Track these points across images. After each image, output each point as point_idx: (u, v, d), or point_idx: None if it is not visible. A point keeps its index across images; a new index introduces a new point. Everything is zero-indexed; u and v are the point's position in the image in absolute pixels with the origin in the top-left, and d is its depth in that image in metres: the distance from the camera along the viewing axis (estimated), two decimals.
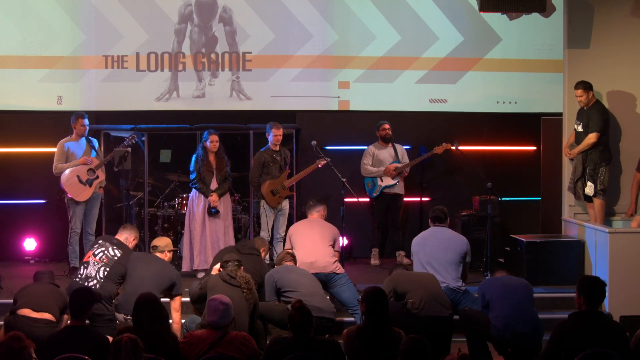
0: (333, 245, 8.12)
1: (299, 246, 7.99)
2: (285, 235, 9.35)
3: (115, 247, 7.41)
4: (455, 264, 7.52)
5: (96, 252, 7.37)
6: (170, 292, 7.17)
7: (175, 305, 7.16)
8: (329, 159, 9.44)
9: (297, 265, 7.71)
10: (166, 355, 5.42)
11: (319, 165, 9.50)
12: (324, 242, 8.03)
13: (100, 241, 7.53)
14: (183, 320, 7.17)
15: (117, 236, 7.59)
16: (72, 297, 5.98)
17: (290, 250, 7.92)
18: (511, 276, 7.18)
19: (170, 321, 6.88)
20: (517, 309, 6.61)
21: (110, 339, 5.28)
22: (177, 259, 9.24)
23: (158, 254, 7.39)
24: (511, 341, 6.57)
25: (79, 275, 7.29)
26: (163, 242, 7.54)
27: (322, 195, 10.50)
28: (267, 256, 8.72)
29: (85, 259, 7.46)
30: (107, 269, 7.23)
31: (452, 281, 7.45)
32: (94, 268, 7.24)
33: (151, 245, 7.64)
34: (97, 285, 7.12)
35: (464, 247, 7.63)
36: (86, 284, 7.12)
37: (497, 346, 6.79)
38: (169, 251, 7.49)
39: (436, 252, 7.56)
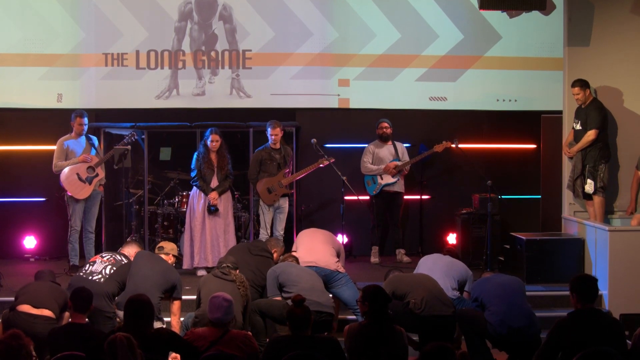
0: (337, 256, 8.10)
1: (303, 245, 7.99)
2: (284, 233, 9.42)
3: (122, 256, 7.55)
4: (455, 279, 7.45)
5: (104, 255, 7.54)
6: (171, 294, 7.20)
7: (174, 309, 7.18)
8: (333, 159, 9.35)
9: (300, 264, 7.72)
10: (164, 350, 5.46)
11: (321, 165, 9.47)
12: (326, 244, 8.02)
13: (107, 252, 7.73)
14: (182, 319, 7.20)
15: (122, 250, 7.76)
16: (74, 293, 6.06)
17: (293, 253, 7.94)
18: (502, 274, 7.17)
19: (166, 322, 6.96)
20: (512, 306, 6.60)
21: None
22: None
23: (163, 256, 7.47)
24: (508, 337, 6.57)
25: (84, 271, 7.32)
26: (170, 245, 7.69)
27: (321, 193, 10.54)
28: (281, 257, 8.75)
29: (91, 260, 7.52)
30: (114, 269, 7.29)
31: (448, 289, 7.39)
32: (101, 265, 7.30)
33: (157, 246, 7.74)
34: (102, 280, 7.14)
35: (463, 272, 7.57)
36: (90, 278, 7.14)
37: (495, 342, 6.78)
38: (173, 255, 7.60)
39: (438, 266, 7.53)
